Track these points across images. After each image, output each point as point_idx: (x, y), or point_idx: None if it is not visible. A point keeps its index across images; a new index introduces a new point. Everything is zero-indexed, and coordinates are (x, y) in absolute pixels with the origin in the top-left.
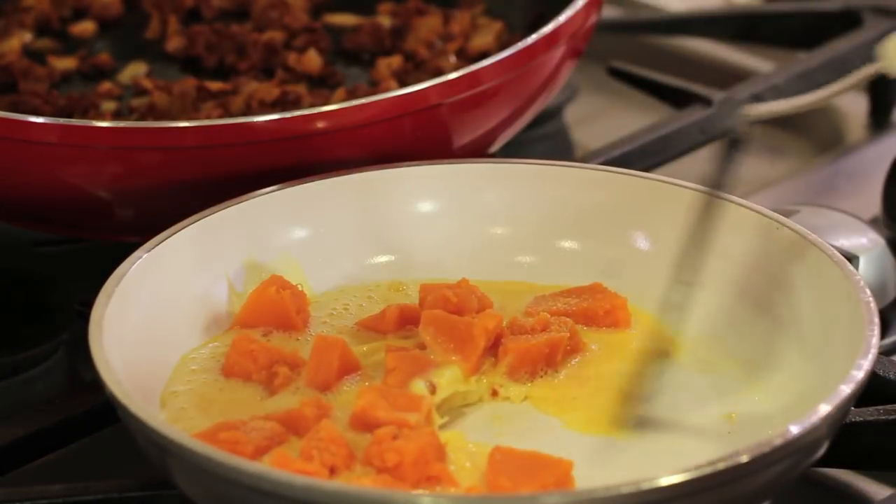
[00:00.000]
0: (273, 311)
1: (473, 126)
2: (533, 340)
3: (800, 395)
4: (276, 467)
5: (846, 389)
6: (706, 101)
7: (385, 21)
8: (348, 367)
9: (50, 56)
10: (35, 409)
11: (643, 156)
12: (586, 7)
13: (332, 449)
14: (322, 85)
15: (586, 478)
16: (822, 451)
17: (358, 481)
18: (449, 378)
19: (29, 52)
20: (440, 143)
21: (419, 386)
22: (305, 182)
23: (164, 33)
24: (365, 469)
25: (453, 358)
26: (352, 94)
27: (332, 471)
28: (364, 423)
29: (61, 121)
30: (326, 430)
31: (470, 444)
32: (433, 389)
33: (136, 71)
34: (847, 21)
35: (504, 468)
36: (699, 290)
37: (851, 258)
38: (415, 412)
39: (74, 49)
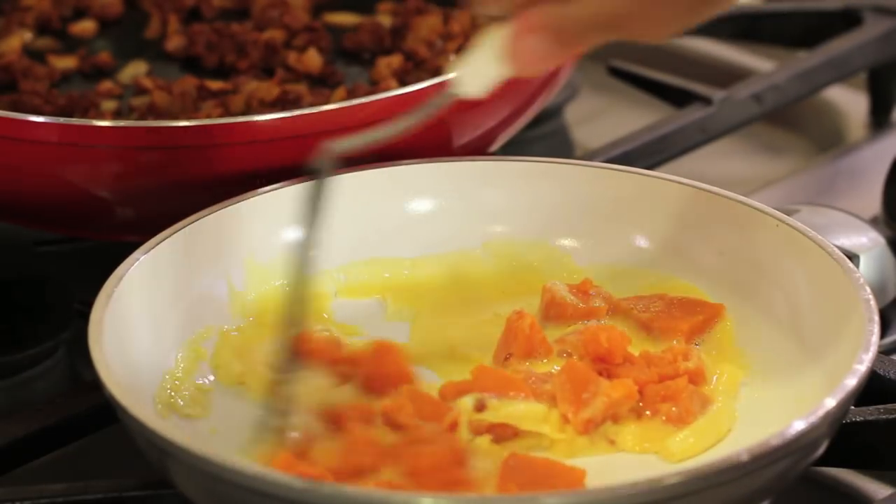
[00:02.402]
0: None
1: (473, 125)
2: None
3: (800, 393)
4: (279, 470)
5: (848, 385)
6: (706, 101)
7: (385, 20)
8: (405, 375)
9: (50, 55)
10: (35, 409)
11: (643, 155)
12: None
13: (362, 449)
14: (322, 84)
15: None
16: (822, 450)
17: (381, 483)
18: (516, 409)
19: (29, 52)
20: (440, 143)
21: (466, 400)
22: (305, 181)
23: (165, 32)
24: (392, 471)
25: (569, 409)
26: (352, 94)
27: (359, 472)
28: (390, 424)
29: (62, 120)
30: (360, 431)
31: (503, 449)
32: (481, 407)
33: (136, 70)
34: (847, 20)
35: (515, 475)
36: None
37: (852, 257)
38: (433, 422)
39: (75, 48)
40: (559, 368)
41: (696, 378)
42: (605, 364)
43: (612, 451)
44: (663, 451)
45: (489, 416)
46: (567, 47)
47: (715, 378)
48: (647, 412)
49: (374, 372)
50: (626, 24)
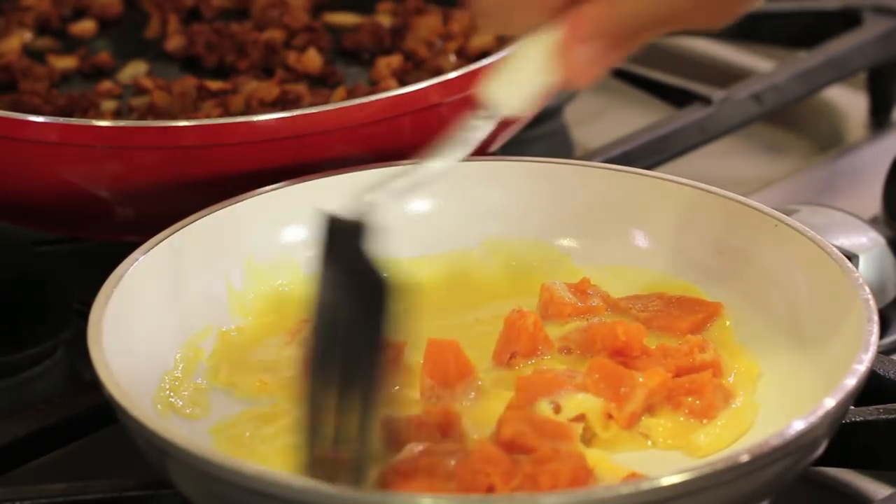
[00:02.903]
0: None
1: None
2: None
3: (799, 393)
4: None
5: (847, 385)
6: (706, 101)
7: (385, 20)
8: (465, 371)
9: (50, 55)
10: (35, 409)
11: (643, 155)
12: None
13: (487, 469)
14: (322, 84)
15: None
16: (821, 450)
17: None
18: (578, 401)
19: (29, 52)
20: None
21: (544, 407)
22: (305, 181)
23: (164, 32)
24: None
25: (611, 405)
26: (352, 94)
27: (491, 490)
28: (511, 449)
29: (61, 120)
30: (482, 449)
31: (615, 467)
32: (557, 409)
33: (136, 70)
34: (847, 20)
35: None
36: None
37: (851, 257)
38: (565, 440)
39: (74, 48)
40: (588, 366)
41: (716, 371)
42: (623, 357)
43: (647, 446)
44: (688, 447)
45: (568, 414)
46: (621, 49)
47: (734, 374)
48: (671, 407)
49: (434, 371)
50: (686, 17)
